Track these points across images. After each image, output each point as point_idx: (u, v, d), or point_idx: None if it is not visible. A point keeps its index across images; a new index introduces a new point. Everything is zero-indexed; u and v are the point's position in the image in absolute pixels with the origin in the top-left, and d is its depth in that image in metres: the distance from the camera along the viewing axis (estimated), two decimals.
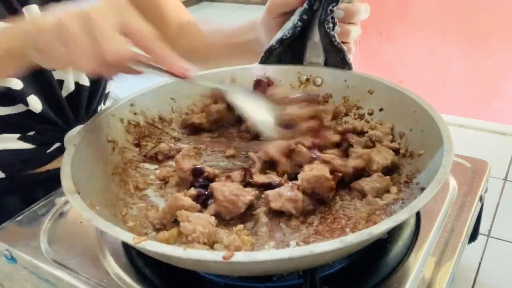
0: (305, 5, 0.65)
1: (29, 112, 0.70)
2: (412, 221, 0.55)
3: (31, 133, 0.73)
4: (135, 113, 0.64)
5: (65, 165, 0.49)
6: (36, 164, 0.74)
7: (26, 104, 0.69)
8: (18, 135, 0.72)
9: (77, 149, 0.52)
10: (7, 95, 0.67)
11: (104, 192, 0.53)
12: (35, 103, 0.70)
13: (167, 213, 0.51)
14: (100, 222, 0.42)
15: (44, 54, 0.48)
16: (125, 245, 0.53)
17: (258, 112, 0.60)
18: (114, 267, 0.51)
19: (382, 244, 0.52)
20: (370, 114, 0.65)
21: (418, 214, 0.56)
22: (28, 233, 0.56)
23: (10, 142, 0.72)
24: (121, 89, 0.89)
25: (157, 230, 0.51)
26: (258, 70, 0.70)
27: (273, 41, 0.69)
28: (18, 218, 0.59)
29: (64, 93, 0.74)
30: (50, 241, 0.55)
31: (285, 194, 0.52)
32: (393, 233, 0.53)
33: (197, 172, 0.57)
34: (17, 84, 0.67)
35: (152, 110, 0.66)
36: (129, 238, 0.40)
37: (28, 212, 0.60)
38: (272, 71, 0.70)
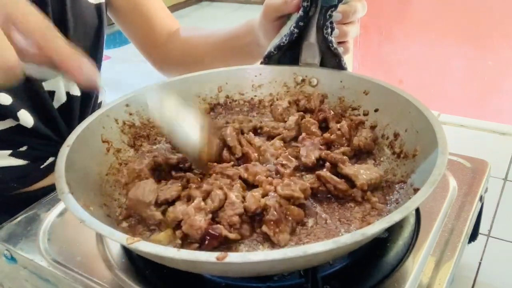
0: (300, 12, 0.64)
1: (20, 127, 0.67)
2: (413, 221, 0.55)
3: (23, 148, 0.69)
4: (130, 114, 0.64)
5: (59, 165, 0.49)
6: (30, 181, 0.71)
7: (17, 119, 0.66)
8: (9, 151, 0.68)
9: (71, 150, 0.52)
10: None
11: (98, 193, 0.53)
12: (26, 118, 0.66)
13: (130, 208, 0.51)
14: (93, 223, 0.41)
15: None
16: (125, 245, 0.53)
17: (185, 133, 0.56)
18: (114, 267, 0.51)
19: (382, 243, 0.52)
20: (366, 115, 0.64)
21: (418, 214, 0.56)
22: (28, 233, 0.56)
23: (1, 159, 0.68)
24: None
25: (151, 230, 0.51)
26: (254, 71, 0.70)
27: (271, 47, 0.69)
28: (18, 218, 0.59)
29: (56, 104, 0.71)
30: (50, 241, 0.55)
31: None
32: (393, 233, 0.53)
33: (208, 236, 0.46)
34: (6, 99, 0.63)
35: (147, 110, 0.65)
36: (122, 238, 0.39)
37: (28, 212, 0.60)
38: (268, 71, 0.70)
